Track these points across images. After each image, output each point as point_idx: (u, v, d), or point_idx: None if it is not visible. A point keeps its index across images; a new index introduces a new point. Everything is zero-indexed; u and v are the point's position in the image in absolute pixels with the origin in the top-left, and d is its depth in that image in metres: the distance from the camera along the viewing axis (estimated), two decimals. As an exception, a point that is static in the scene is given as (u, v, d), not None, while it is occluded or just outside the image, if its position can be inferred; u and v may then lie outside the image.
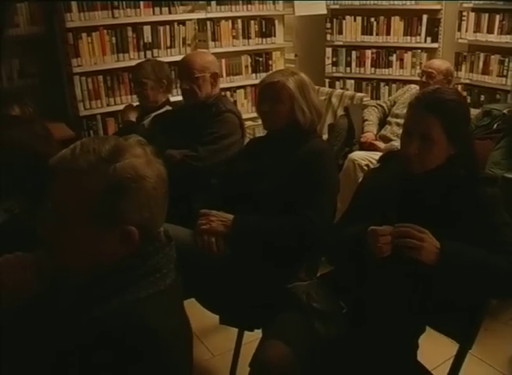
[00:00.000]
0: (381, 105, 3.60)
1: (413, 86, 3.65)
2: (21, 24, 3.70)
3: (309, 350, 1.59)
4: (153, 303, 1.05)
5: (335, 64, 4.78)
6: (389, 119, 3.46)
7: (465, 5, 4.21)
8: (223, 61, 4.26)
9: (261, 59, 4.45)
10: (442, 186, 1.65)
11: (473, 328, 1.60)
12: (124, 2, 3.60)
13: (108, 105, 3.71)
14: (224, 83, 4.25)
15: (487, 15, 4.11)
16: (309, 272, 2.09)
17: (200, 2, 3.99)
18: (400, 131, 3.20)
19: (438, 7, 4.35)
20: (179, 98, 3.61)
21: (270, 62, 4.50)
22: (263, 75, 4.41)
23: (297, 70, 2.25)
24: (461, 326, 1.63)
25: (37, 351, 1.09)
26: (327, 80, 4.79)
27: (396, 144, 3.22)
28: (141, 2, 3.65)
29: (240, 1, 4.25)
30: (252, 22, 4.37)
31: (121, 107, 3.67)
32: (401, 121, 3.36)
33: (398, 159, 1.81)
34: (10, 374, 1.11)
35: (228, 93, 4.34)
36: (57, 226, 1.04)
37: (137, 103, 3.28)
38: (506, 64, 4.06)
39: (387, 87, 4.64)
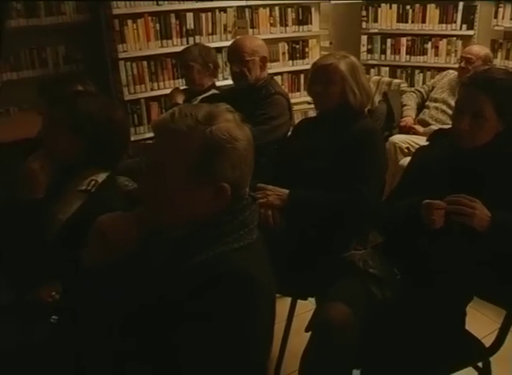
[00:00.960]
0: (419, 91, 3.71)
1: (451, 71, 3.75)
2: (67, 12, 3.89)
3: (367, 312, 1.73)
4: (247, 253, 1.17)
5: (370, 51, 4.89)
6: (428, 103, 3.58)
7: (502, -9, 4.27)
8: (260, 48, 4.39)
9: (297, 46, 4.56)
10: (491, 161, 1.77)
11: None
12: (168, -11, 3.75)
13: (151, 89, 3.86)
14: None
15: (524, 2, 4.17)
16: (360, 243, 2.23)
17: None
18: (438, 115, 3.34)
19: (474, -6, 4.42)
20: (225, 82, 3.81)
21: (306, 49, 4.61)
22: (300, 62, 4.55)
23: (348, 54, 2.37)
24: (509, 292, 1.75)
25: (141, 301, 1.22)
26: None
27: (435, 127, 3.33)
28: (184, -10, 3.80)
29: (278, -11, 4.39)
30: (289, 9, 4.49)
31: (164, 92, 3.84)
32: (439, 105, 3.49)
33: (447, 137, 1.94)
34: (116, 327, 1.24)
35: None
36: (156, 184, 1.16)
37: (184, 87, 3.43)
38: (542, 51, 4.13)
39: (422, 74, 4.72)
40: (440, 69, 4.59)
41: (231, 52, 2.79)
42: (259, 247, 1.24)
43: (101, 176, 1.77)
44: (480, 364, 1.79)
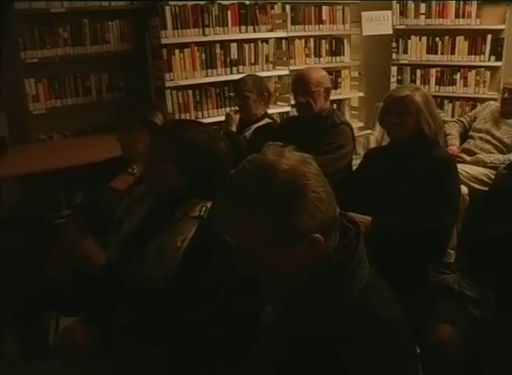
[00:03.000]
0: (461, 121, 3.91)
1: (492, 102, 3.97)
2: (111, 41, 4.07)
3: (468, 331, 1.86)
4: (373, 293, 1.12)
5: (400, 82, 5.10)
6: (472, 133, 3.77)
7: (531, 25, 4.54)
8: (294, 78, 4.60)
9: (331, 77, 4.75)
10: None
11: None
12: (214, 21, 3.93)
13: (196, 117, 4.01)
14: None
15: (553, 35, 4.44)
16: (437, 267, 2.38)
17: (277, 21, 4.33)
18: (483, 145, 3.53)
19: (502, 27, 4.67)
20: (275, 110, 3.98)
21: (339, 79, 4.83)
22: (333, 92, 4.74)
23: (419, 86, 2.55)
24: None
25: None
26: (391, 97, 5.10)
27: (482, 156, 3.53)
28: (229, 21, 3.99)
29: (313, 21, 4.61)
30: (323, 41, 4.72)
31: (208, 120, 3.99)
32: (483, 135, 3.69)
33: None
34: None
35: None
36: (249, 258, 1.13)
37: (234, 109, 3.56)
38: None
39: (451, 104, 4.94)
40: (469, 99, 4.85)
41: (297, 83, 2.96)
42: (378, 279, 1.18)
43: (209, 204, 1.89)
44: None
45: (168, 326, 1.72)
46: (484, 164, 3.47)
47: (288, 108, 4.41)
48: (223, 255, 1.76)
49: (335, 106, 4.72)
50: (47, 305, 2.36)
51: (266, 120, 3.38)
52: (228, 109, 4.05)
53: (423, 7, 4.89)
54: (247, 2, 4.12)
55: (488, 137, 3.65)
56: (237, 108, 3.50)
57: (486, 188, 3.25)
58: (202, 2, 3.88)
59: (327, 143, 2.82)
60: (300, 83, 2.91)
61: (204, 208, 1.83)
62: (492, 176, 3.37)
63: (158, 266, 1.77)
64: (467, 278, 2.06)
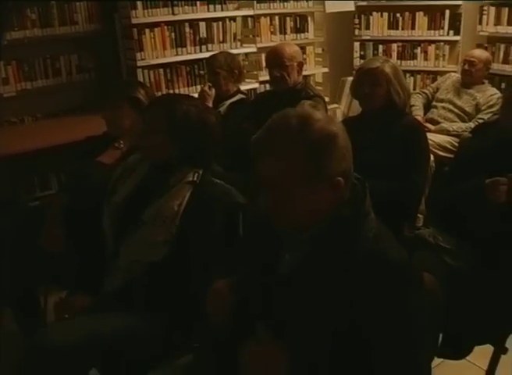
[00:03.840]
0: (424, 92, 4.15)
1: (453, 74, 4.22)
2: (80, 22, 4.10)
3: (445, 280, 2.06)
4: (382, 240, 1.26)
5: (362, 57, 5.30)
6: (435, 103, 4.01)
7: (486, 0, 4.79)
8: (262, 55, 4.72)
9: (296, 53, 4.91)
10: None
11: None
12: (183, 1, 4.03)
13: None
14: (264, 76, 4.72)
15: (506, 9, 4.69)
16: (411, 227, 2.58)
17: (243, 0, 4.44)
18: (446, 114, 3.76)
19: (459, 2, 4.91)
20: (243, 87, 4.10)
21: (304, 56, 4.96)
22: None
23: (387, 58, 2.73)
24: None
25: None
26: (354, 73, 5.29)
27: (445, 125, 3.76)
28: (197, 1, 4.08)
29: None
30: (288, 18, 4.86)
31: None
32: (446, 105, 3.94)
33: (490, 129, 2.33)
34: None
35: (267, 85, 4.79)
36: (277, 196, 1.26)
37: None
38: (526, 54, 4.66)
39: (412, 77, 5.17)
40: (430, 73, 5.10)
41: (271, 58, 3.11)
42: (383, 228, 1.32)
43: (201, 171, 2.02)
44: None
45: (174, 290, 1.84)
46: (447, 132, 3.71)
47: (256, 85, 4.56)
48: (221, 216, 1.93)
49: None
50: (39, 280, 2.48)
51: (239, 96, 3.51)
52: (199, 87, 4.16)
53: (384, -16, 5.09)
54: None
55: (451, 107, 3.89)
56: (209, 84, 3.61)
57: (451, 155, 3.49)
58: (170, -18, 3.96)
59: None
60: (275, 58, 3.06)
61: (196, 174, 1.98)
62: (456, 144, 3.61)
63: (157, 230, 1.90)
64: (440, 231, 2.26)
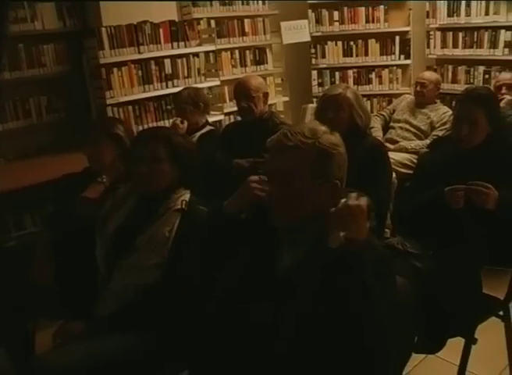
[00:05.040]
0: (382, 114, 4.45)
1: (407, 95, 4.55)
2: (47, 64, 4.27)
3: (414, 281, 2.29)
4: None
5: (320, 84, 5.62)
6: (392, 124, 4.31)
7: (431, 25, 5.18)
8: (226, 88, 4.99)
9: (256, 85, 5.18)
10: (486, 155, 2.43)
11: None
12: (147, 39, 4.25)
13: (137, 132, 4.28)
14: (228, 108, 4.98)
15: (451, 33, 5.10)
16: (378, 236, 2.81)
17: (204, 36, 4.69)
18: (403, 133, 4.06)
19: (407, 28, 5.30)
20: (214, 118, 4.33)
21: (265, 86, 5.25)
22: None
23: (347, 85, 3.01)
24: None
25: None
26: (314, 100, 5.59)
27: (404, 144, 4.06)
28: (161, 38, 4.32)
29: (236, 34, 5.04)
30: (247, 51, 5.16)
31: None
32: (403, 125, 4.24)
33: (446, 142, 2.61)
34: None
35: (231, 116, 5.05)
36: (286, 189, 1.50)
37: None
38: (471, 73, 5.05)
39: (369, 101, 5.49)
40: (385, 96, 5.45)
41: (238, 90, 3.34)
42: None
43: (187, 196, 2.22)
44: (501, 313, 2.39)
45: (166, 311, 2.01)
46: (406, 150, 4.00)
47: (221, 117, 4.79)
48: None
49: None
50: (30, 315, 2.59)
51: (208, 127, 3.73)
52: (166, 122, 4.37)
53: (336, 14, 5.45)
54: (176, 20, 4.46)
55: (407, 126, 4.20)
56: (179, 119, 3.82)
57: (411, 171, 3.75)
58: (135, 22, 4.18)
59: (271, 141, 3.21)
60: (242, 90, 3.30)
61: (184, 202, 2.18)
62: (415, 160, 3.89)
63: (150, 255, 2.08)
64: (407, 239, 2.50)
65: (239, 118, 3.62)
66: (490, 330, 2.31)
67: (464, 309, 2.18)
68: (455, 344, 2.22)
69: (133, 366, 1.93)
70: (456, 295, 2.24)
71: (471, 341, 2.18)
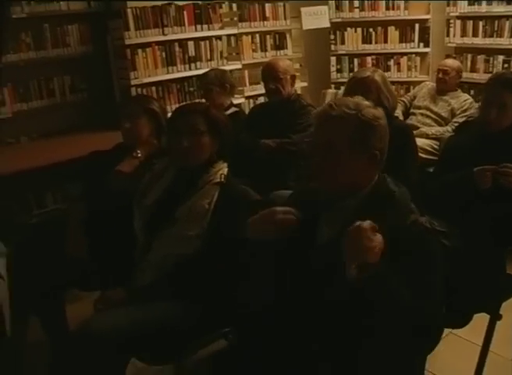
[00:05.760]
0: (402, 101, 4.54)
1: (427, 82, 4.65)
2: (72, 44, 4.36)
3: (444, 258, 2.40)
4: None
5: (339, 71, 5.72)
6: (413, 110, 4.41)
7: (452, 13, 5.26)
8: (246, 72, 5.08)
9: (277, 69, 5.27)
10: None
11: None
12: (172, 21, 4.34)
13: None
14: (248, 91, 5.08)
15: (471, 21, 5.17)
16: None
17: (225, 20, 4.78)
18: (424, 120, 4.15)
19: (427, 16, 5.37)
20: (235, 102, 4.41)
21: (285, 71, 5.34)
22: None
23: (375, 68, 3.09)
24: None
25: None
26: (333, 86, 5.68)
27: (424, 129, 4.15)
28: (185, 21, 4.41)
29: (258, 18, 5.13)
30: (268, 36, 5.24)
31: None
32: (424, 111, 4.33)
33: (472, 126, 2.71)
34: None
35: (251, 100, 5.15)
36: (328, 157, 1.60)
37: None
38: (491, 62, 5.13)
39: (387, 88, 5.58)
40: (403, 83, 5.52)
41: (266, 72, 3.44)
42: None
43: (225, 169, 2.32)
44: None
45: (206, 281, 2.09)
46: (427, 136, 4.10)
47: (242, 100, 4.88)
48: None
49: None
50: (65, 286, 2.68)
51: (233, 109, 3.82)
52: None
53: (356, 1, 5.52)
54: (200, 2, 4.54)
55: (428, 113, 4.29)
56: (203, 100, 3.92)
57: (432, 157, 3.87)
58: (160, 3, 4.27)
59: (298, 123, 3.32)
60: (270, 72, 3.39)
61: (222, 175, 2.27)
62: (436, 146, 4.01)
63: (189, 226, 2.17)
64: (434, 218, 2.60)
65: (259, 101, 3.69)
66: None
67: (488, 286, 2.28)
68: (477, 324, 2.30)
69: (174, 333, 2.02)
70: (480, 273, 2.34)
71: (495, 316, 2.28)
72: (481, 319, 2.28)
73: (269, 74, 3.40)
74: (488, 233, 2.42)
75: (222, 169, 2.31)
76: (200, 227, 2.17)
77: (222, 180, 2.25)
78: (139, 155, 2.79)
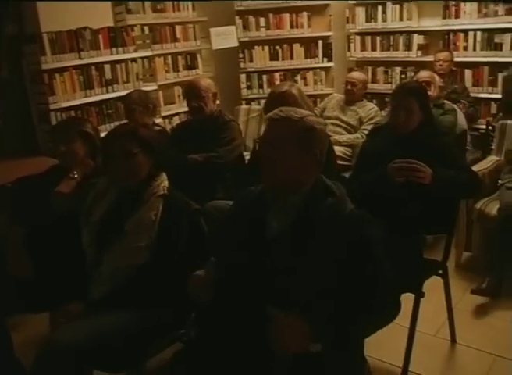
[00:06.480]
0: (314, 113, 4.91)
1: (335, 94, 5.06)
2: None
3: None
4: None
5: (249, 87, 6.06)
6: (325, 121, 4.76)
7: (351, 30, 5.75)
8: (160, 93, 5.28)
9: (189, 89, 5.50)
10: (420, 139, 2.89)
11: (453, 218, 2.90)
12: (88, 45, 4.47)
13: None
14: (164, 111, 5.28)
15: (369, 37, 5.68)
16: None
17: (138, 42, 4.97)
18: (335, 129, 4.53)
19: (329, 33, 5.83)
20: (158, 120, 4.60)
21: (197, 90, 5.58)
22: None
23: (292, 82, 3.40)
24: (445, 220, 2.87)
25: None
26: (243, 102, 6.00)
27: (336, 137, 4.53)
28: (101, 44, 4.55)
29: (169, 40, 5.36)
30: (179, 57, 5.49)
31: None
32: (334, 121, 4.72)
33: (383, 130, 3.07)
34: None
35: (166, 120, 5.35)
36: (279, 156, 1.83)
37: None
38: (389, 73, 5.66)
39: (296, 102, 5.97)
40: (310, 96, 5.85)
41: (189, 90, 3.65)
42: None
43: (166, 182, 2.50)
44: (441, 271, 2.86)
45: (159, 287, 2.27)
46: (339, 143, 4.47)
47: (159, 120, 5.07)
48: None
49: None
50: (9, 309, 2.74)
51: (157, 128, 4.02)
52: (108, 126, 4.60)
53: (262, 21, 5.92)
54: (114, 26, 4.71)
55: (338, 122, 4.68)
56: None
57: (346, 163, 4.24)
58: (74, 28, 4.39)
59: (222, 137, 3.54)
60: (192, 90, 3.61)
61: (165, 188, 2.46)
62: (348, 153, 4.40)
63: (139, 237, 2.32)
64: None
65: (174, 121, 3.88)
66: (430, 291, 2.69)
67: (409, 270, 2.59)
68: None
69: (132, 340, 2.17)
70: (402, 258, 2.67)
71: (419, 294, 2.61)
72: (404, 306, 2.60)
73: (192, 93, 3.61)
74: (407, 224, 2.74)
75: (163, 181, 2.48)
76: (149, 238, 2.32)
77: (166, 192, 2.44)
78: (75, 175, 2.93)
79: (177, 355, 2.05)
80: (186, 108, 5.27)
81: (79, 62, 4.45)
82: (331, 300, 1.76)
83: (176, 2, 5.44)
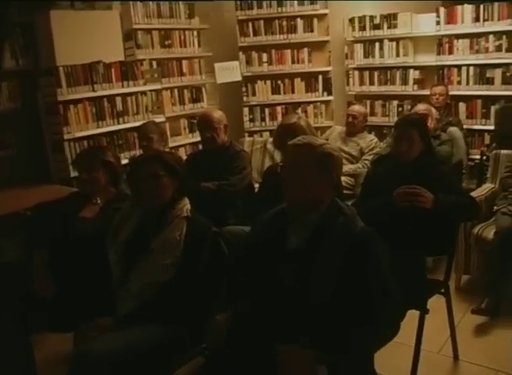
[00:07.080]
0: (316, 144, 5.19)
1: (337, 127, 5.37)
2: (1, 101, 4.60)
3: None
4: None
5: (252, 120, 6.36)
6: (326, 152, 5.04)
7: (350, 65, 6.08)
8: (167, 125, 5.54)
9: (194, 121, 5.64)
10: (421, 167, 3.15)
11: (453, 240, 3.14)
12: (101, 78, 4.74)
13: (133, 158, 4.62)
14: (171, 142, 5.51)
15: (368, 72, 6.01)
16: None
17: (147, 76, 5.24)
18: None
19: (329, 68, 6.16)
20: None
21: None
22: (197, 134, 5.64)
23: (300, 115, 3.67)
24: (446, 242, 3.10)
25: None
26: (246, 134, 6.28)
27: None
28: (113, 77, 4.83)
29: (175, 74, 5.65)
30: (185, 90, 5.77)
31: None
32: (336, 152, 4.95)
33: (387, 158, 3.33)
34: None
35: (173, 150, 5.58)
36: (295, 177, 2.09)
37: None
38: (387, 107, 5.97)
39: (297, 134, 6.25)
40: (311, 129, 6.20)
41: (202, 121, 3.90)
42: None
43: (188, 205, 2.72)
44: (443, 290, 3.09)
45: (184, 303, 2.47)
46: (342, 173, 4.72)
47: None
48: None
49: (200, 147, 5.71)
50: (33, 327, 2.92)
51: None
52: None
53: (265, 56, 6.25)
54: (126, 60, 5.00)
55: (341, 153, 4.94)
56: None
57: (348, 192, 4.49)
58: (88, 62, 4.66)
59: (234, 166, 3.78)
60: (205, 122, 3.86)
61: (188, 210, 2.68)
62: (350, 182, 4.65)
63: (165, 256, 2.53)
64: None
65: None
66: (432, 311, 2.87)
67: (414, 287, 2.78)
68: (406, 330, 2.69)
69: (158, 354, 2.37)
70: (405, 276, 2.88)
71: (424, 311, 2.83)
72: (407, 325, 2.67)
73: (205, 124, 3.86)
74: (410, 245, 2.95)
75: (186, 204, 2.71)
76: (175, 256, 2.53)
77: (189, 214, 2.66)
78: (98, 201, 3.15)
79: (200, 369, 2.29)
80: (192, 140, 5.73)
81: (92, 94, 4.69)
82: (340, 312, 1.98)
83: (182, 39, 5.76)
